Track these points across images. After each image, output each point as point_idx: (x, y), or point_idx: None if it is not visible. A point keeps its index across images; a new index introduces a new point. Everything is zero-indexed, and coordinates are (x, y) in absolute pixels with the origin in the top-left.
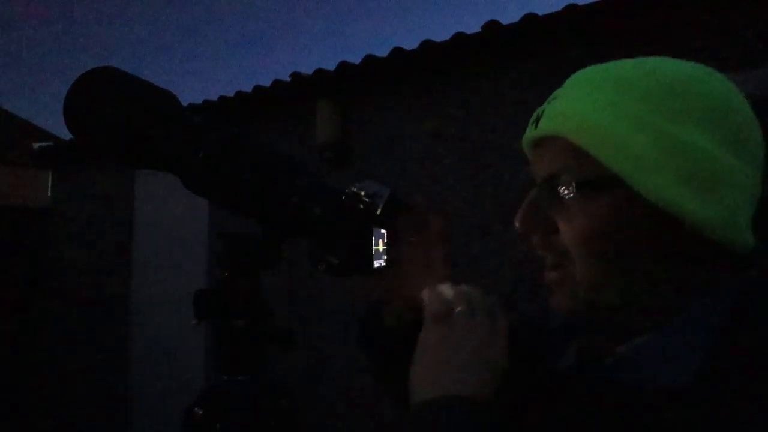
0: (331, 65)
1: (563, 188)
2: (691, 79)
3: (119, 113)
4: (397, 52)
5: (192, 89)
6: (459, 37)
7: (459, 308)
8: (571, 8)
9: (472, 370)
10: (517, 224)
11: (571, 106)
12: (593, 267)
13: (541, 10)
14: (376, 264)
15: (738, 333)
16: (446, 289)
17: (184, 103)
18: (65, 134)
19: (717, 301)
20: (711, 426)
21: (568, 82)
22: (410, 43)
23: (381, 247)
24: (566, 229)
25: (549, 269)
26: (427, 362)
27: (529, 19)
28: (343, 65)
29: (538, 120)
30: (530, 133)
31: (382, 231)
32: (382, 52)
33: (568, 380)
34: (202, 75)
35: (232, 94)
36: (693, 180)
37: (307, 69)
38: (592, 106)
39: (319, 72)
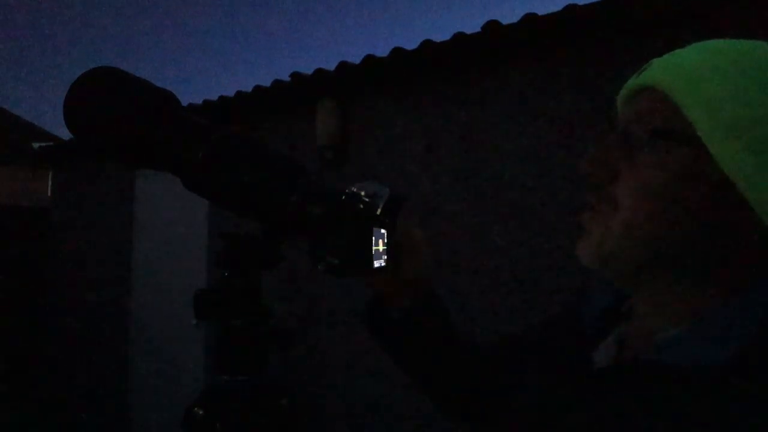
0: (331, 65)
1: (640, 131)
2: None
3: (119, 113)
4: (397, 52)
5: (192, 89)
6: (459, 37)
7: None
8: (571, 8)
9: None
10: (584, 163)
11: (678, 60)
12: (639, 217)
13: (541, 10)
14: (376, 264)
15: None
16: None
17: (184, 104)
18: (65, 134)
19: (759, 292)
20: (741, 404)
21: (686, 47)
22: (410, 43)
23: (381, 247)
24: (629, 176)
25: (590, 212)
26: None
27: (529, 19)
28: (343, 65)
29: (641, 72)
30: (631, 82)
31: (382, 231)
32: (382, 52)
33: (610, 373)
34: (202, 75)
35: (232, 94)
36: (766, 152)
37: (307, 69)
38: (697, 63)
39: (319, 72)
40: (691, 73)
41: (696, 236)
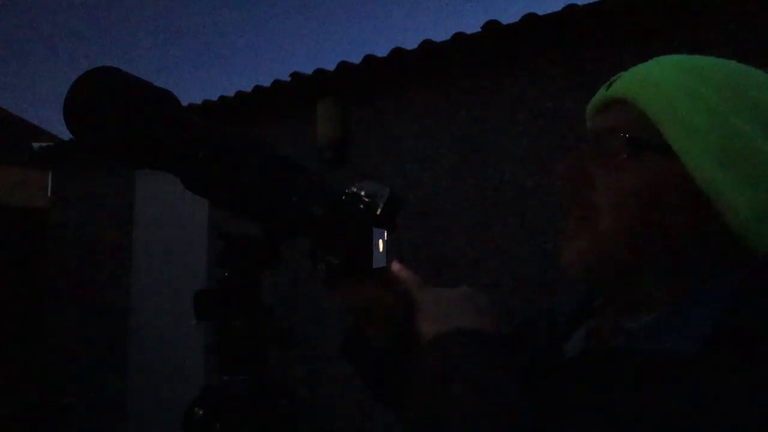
0: (331, 65)
1: (615, 141)
2: (760, 81)
3: (119, 113)
4: (397, 52)
5: (192, 89)
6: (459, 37)
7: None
8: (571, 8)
9: (468, 311)
10: (560, 169)
11: (645, 75)
12: (620, 222)
13: (541, 10)
14: (377, 264)
15: (743, 312)
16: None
17: (184, 104)
18: (65, 134)
19: (725, 283)
20: (711, 390)
21: (651, 61)
22: (410, 43)
23: (381, 247)
24: (607, 182)
25: (572, 219)
26: (428, 309)
27: (529, 19)
28: (343, 65)
29: (610, 85)
30: (601, 93)
31: (382, 231)
32: (382, 52)
33: (581, 361)
34: (202, 75)
35: (232, 94)
36: (736, 166)
37: (307, 69)
38: (663, 78)
39: (319, 72)
40: (666, 91)
41: (670, 239)
